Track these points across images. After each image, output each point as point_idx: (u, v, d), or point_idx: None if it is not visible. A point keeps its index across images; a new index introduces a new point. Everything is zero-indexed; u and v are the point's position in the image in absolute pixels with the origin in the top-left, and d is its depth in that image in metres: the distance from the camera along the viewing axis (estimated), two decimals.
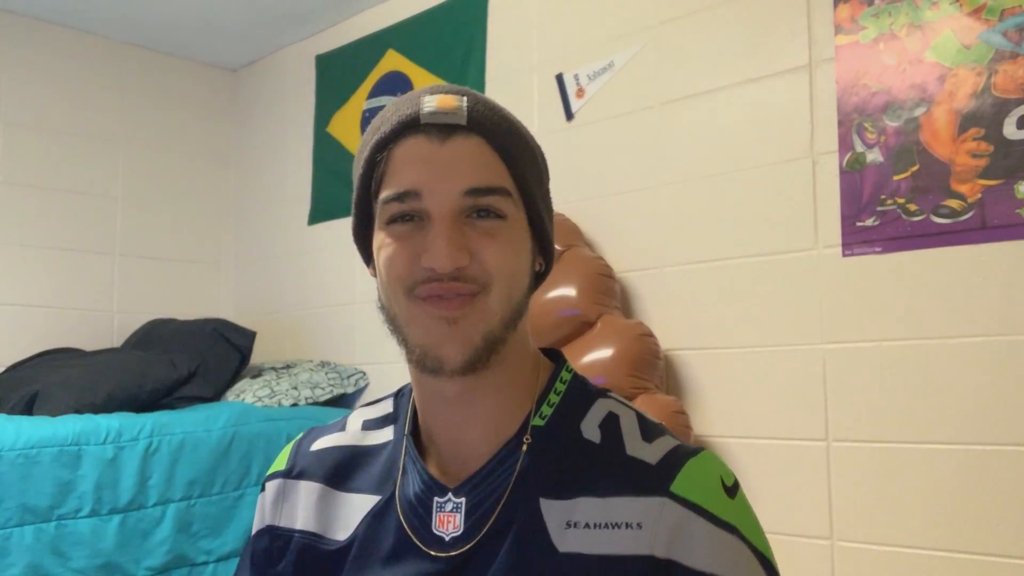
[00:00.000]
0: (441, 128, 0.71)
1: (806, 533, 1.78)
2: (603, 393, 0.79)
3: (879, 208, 1.74)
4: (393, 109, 0.74)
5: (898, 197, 1.72)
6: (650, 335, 1.96)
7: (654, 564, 0.67)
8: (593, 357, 1.93)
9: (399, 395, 0.86)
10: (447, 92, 0.72)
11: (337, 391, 2.71)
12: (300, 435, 0.88)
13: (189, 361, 2.62)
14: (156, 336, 2.91)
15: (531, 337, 0.79)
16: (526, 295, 0.74)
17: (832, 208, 1.80)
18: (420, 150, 0.70)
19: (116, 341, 3.07)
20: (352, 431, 0.85)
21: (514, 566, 0.69)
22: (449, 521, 0.72)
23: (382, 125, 0.74)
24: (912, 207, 1.70)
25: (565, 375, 0.79)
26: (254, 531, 0.85)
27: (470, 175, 0.70)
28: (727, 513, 0.69)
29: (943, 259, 1.66)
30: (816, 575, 1.76)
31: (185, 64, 3.42)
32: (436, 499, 0.73)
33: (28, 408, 2.33)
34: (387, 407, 0.86)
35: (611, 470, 0.71)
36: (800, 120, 1.87)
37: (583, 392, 0.78)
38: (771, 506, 1.82)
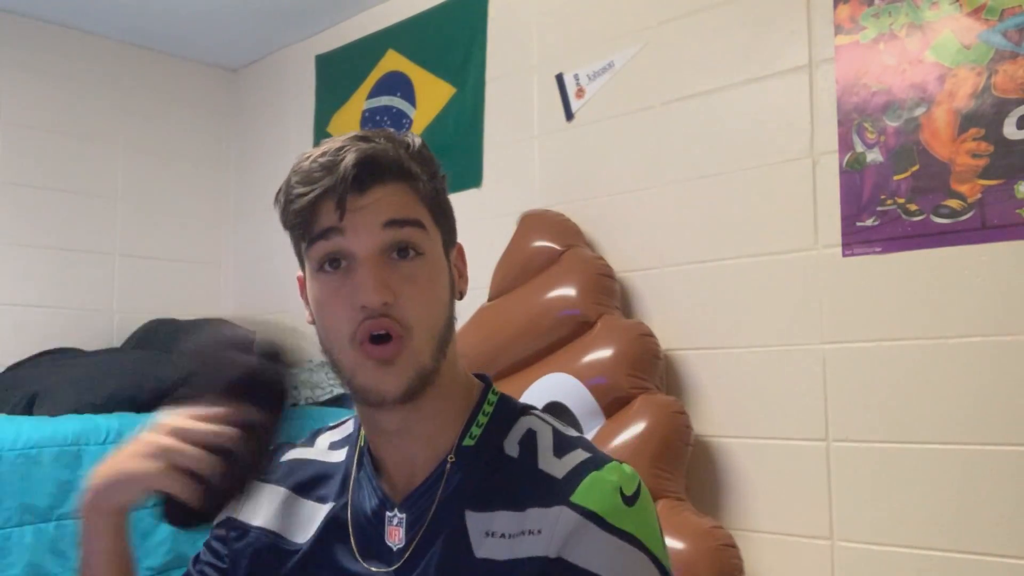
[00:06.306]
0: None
1: (806, 533, 1.78)
2: (526, 411, 0.86)
3: (879, 208, 1.74)
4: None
5: (898, 197, 1.72)
6: (650, 335, 1.96)
7: (546, 563, 0.73)
8: (593, 357, 1.93)
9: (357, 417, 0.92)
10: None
11: (337, 391, 2.71)
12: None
13: None
14: (156, 336, 2.91)
15: (460, 360, 0.86)
16: (448, 325, 0.81)
17: (832, 208, 1.80)
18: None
19: (116, 341, 3.07)
20: (320, 448, 0.93)
21: (439, 568, 0.77)
22: (396, 533, 0.80)
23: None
24: (912, 207, 1.70)
25: (492, 397, 0.86)
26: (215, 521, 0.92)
27: (389, 211, 0.78)
28: (623, 521, 0.75)
29: (943, 259, 1.66)
30: (816, 575, 1.76)
31: (185, 64, 3.42)
32: (387, 513, 0.81)
33: (28, 408, 2.33)
34: (348, 428, 0.93)
35: (525, 484, 0.78)
36: (800, 120, 1.87)
37: (507, 412, 0.85)
38: (771, 506, 1.81)
